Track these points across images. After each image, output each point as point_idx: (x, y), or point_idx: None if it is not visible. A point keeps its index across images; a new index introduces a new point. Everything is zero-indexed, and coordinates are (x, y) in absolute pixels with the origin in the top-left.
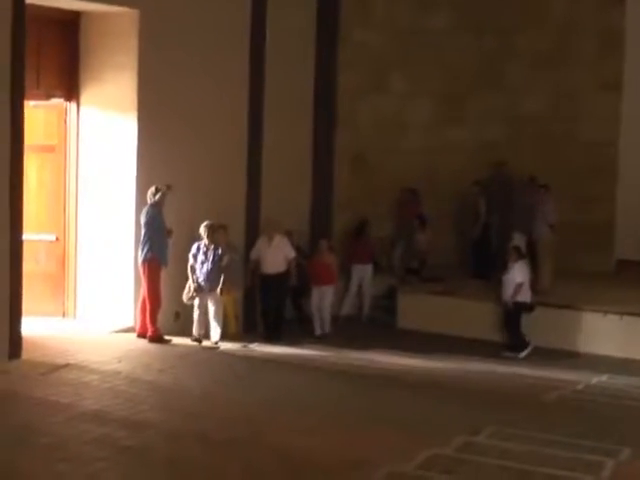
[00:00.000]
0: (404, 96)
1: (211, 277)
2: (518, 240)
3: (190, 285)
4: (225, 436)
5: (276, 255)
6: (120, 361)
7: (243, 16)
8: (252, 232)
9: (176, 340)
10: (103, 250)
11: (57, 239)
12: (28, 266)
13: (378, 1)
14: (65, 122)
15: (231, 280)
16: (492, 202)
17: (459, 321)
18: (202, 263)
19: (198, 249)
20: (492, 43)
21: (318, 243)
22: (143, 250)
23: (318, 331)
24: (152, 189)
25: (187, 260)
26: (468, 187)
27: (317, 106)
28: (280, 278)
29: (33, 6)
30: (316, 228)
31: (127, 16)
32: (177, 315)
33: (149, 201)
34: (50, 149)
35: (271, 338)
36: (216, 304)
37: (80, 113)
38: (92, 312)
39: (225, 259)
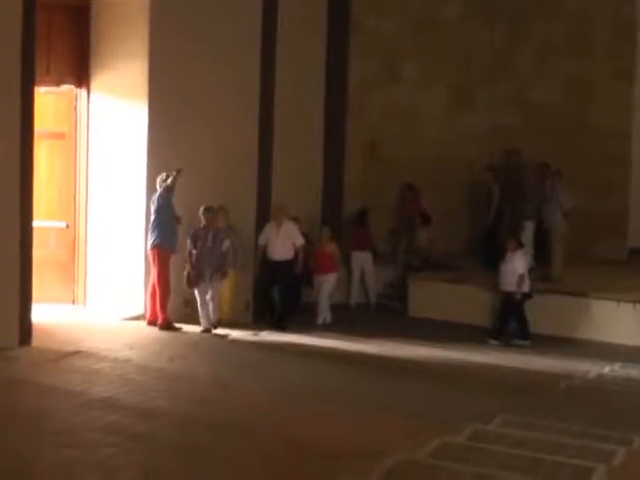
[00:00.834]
0: (416, 84)
1: (212, 263)
2: (529, 229)
3: (190, 272)
4: (236, 424)
5: (284, 242)
6: (130, 348)
7: (254, 3)
8: (263, 219)
9: (186, 328)
10: (113, 237)
11: (67, 226)
12: (38, 253)
13: None
14: (75, 109)
15: (230, 265)
16: (504, 190)
17: (470, 309)
18: (201, 248)
19: (197, 233)
20: (504, 31)
21: (320, 231)
22: (152, 236)
23: (320, 320)
24: (162, 175)
25: None
26: (481, 172)
27: (329, 94)
28: (287, 265)
29: None
30: (326, 216)
31: (138, 3)
32: (186, 302)
33: (159, 187)
34: (60, 136)
35: (278, 327)
36: (214, 291)
37: (90, 100)
38: (102, 299)
39: (225, 244)
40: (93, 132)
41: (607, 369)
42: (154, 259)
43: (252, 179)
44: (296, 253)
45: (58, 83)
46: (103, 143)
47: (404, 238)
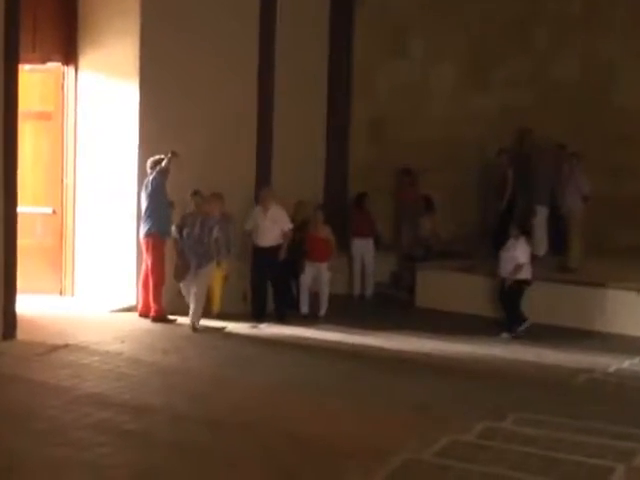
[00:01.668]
0: (425, 62)
1: (198, 252)
2: (542, 214)
3: (177, 263)
4: (235, 420)
5: (272, 227)
6: (122, 342)
7: None
8: None
9: (181, 319)
10: (103, 224)
11: (54, 212)
12: (23, 241)
13: None
14: (62, 88)
15: (223, 254)
16: (518, 173)
17: (480, 299)
18: (188, 236)
19: (184, 220)
20: (519, 5)
21: (313, 214)
22: (145, 224)
23: (304, 309)
24: (153, 158)
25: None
26: (495, 157)
27: (332, 73)
28: (275, 252)
29: None
30: (330, 200)
31: None
32: (181, 293)
33: (149, 171)
34: (46, 116)
35: (278, 318)
36: (199, 284)
37: (78, 78)
38: (91, 290)
39: (214, 232)
40: (81, 112)
41: (627, 363)
42: (148, 247)
43: (250, 162)
44: (283, 238)
45: (44, 61)
46: (92, 124)
47: (406, 226)
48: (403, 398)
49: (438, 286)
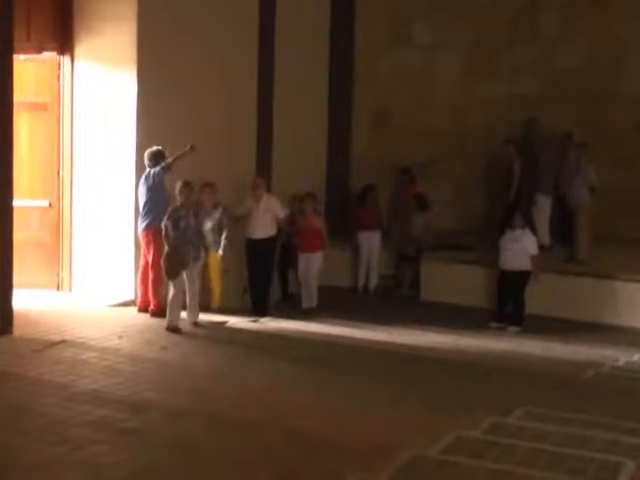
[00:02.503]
0: (429, 49)
1: (197, 245)
2: (542, 204)
3: (170, 260)
4: (236, 417)
5: (264, 217)
6: (120, 337)
7: None
8: None
9: (181, 314)
10: (101, 217)
11: (50, 205)
12: (20, 235)
13: None
14: (58, 78)
15: (217, 246)
16: (525, 163)
17: (486, 292)
18: (185, 230)
19: (177, 213)
20: None
21: (303, 203)
22: (145, 217)
23: (306, 304)
24: (150, 151)
25: None
26: (502, 147)
27: (334, 60)
28: (269, 244)
29: None
30: (332, 191)
31: None
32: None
33: (147, 163)
34: (42, 107)
35: (257, 312)
36: (197, 278)
37: (74, 68)
38: (89, 284)
39: (207, 224)
40: (78, 103)
41: (637, 357)
42: (149, 241)
43: (250, 153)
44: (279, 228)
45: (39, 50)
46: (88, 114)
47: (397, 224)
48: (407, 393)
49: (443, 279)
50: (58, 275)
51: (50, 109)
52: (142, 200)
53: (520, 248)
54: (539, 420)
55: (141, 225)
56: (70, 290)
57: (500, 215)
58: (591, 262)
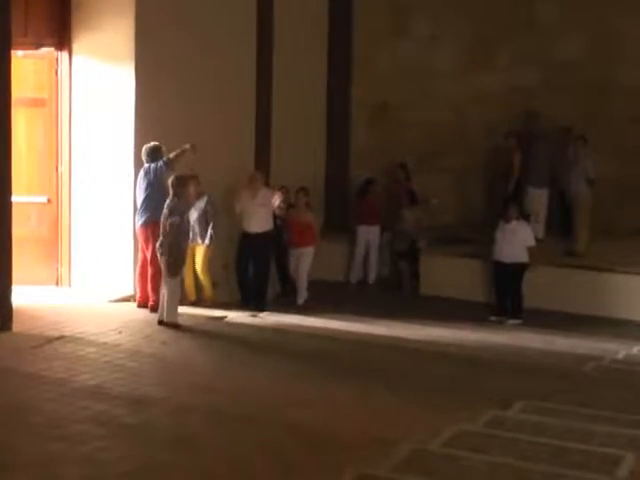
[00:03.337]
0: (428, 40)
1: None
2: (533, 196)
3: (175, 257)
4: (236, 412)
5: (261, 211)
6: (119, 332)
7: None
8: None
9: (180, 310)
10: (99, 212)
11: (49, 201)
12: (18, 231)
13: None
14: (56, 73)
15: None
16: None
17: (486, 285)
18: (182, 225)
19: (178, 209)
20: None
21: (296, 197)
22: (144, 213)
23: (301, 300)
24: (148, 147)
25: None
26: (502, 140)
27: (332, 53)
28: (264, 238)
29: None
30: (331, 186)
31: None
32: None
33: (145, 159)
34: (40, 103)
35: (249, 306)
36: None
37: (72, 64)
38: (88, 280)
39: (194, 215)
40: (76, 98)
41: (636, 349)
42: (147, 237)
43: (249, 147)
44: (275, 218)
45: (37, 46)
46: (87, 110)
47: (390, 220)
48: (408, 387)
49: (443, 273)
50: (57, 271)
51: (48, 105)
52: (141, 195)
53: (516, 240)
54: (539, 413)
55: (139, 221)
56: (69, 286)
57: (500, 208)
58: (590, 255)
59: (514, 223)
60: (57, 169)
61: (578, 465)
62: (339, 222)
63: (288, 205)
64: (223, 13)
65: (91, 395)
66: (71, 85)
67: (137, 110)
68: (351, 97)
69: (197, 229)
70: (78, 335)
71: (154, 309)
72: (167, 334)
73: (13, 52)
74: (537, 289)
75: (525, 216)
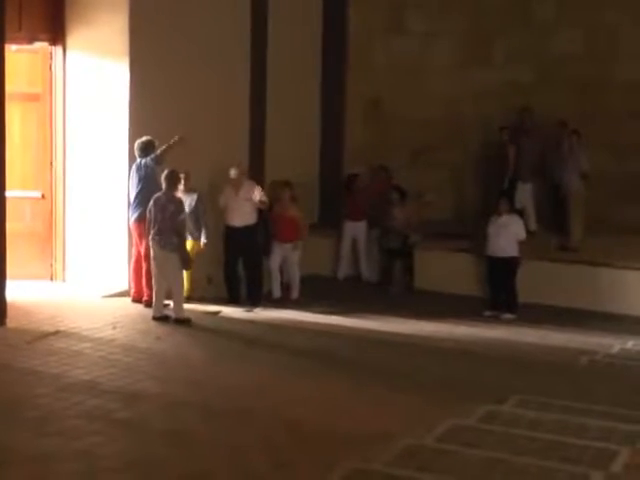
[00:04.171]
0: (423, 36)
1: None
2: (522, 190)
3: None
4: (231, 407)
5: (244, 205)
6: (114, 327)
7: None
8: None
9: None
10: (93, 207)
11: (43, 196)
12: (12, 225)
13: None
14: (50, 68)
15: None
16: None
17: (480, 281)
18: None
19: (182, 205)
20: None
21: (280, 192)
22: (137, 208)
23: (277, 293)
24: (140, 142)
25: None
26: (498, 134)
27: (326, 48)
28: (248, 232)
29: None
30: (325, 181)
31: None
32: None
33: (138, 154)
34: (34, 98)
35: (237, 302)
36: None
37: (67, 58)
38: (82, 275)
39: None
40: (70, 93)
41: (631, 343)
42: (141, 232)
43: (243, 142)
44: (260, 212)
45: (31, 40)
46: (81, 105)
47: (378, 218)
48: (403, 382)
49: (437, 268)
50: (51, 266)
51: (42, 100)
52: (133, 190)
53: (511, 233)
54: (534, 408)
55: (132, 216)
56: (63, 281)
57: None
58: (584, 249)
59: (505, 217)
60: (51, 164)
61: (572, 460)
62: (333, 218)
63: (272, 200)
64: (218, 9)
65: (86, 390)
66: (65, 80)
67: (131, 105)
68: (346, 93)
69: (188, 225)
70: (72, 330)
71: (148, 304)
72: (161, 329)
73: (7, 47)
74: (531, 284)
75: (517, 210)
